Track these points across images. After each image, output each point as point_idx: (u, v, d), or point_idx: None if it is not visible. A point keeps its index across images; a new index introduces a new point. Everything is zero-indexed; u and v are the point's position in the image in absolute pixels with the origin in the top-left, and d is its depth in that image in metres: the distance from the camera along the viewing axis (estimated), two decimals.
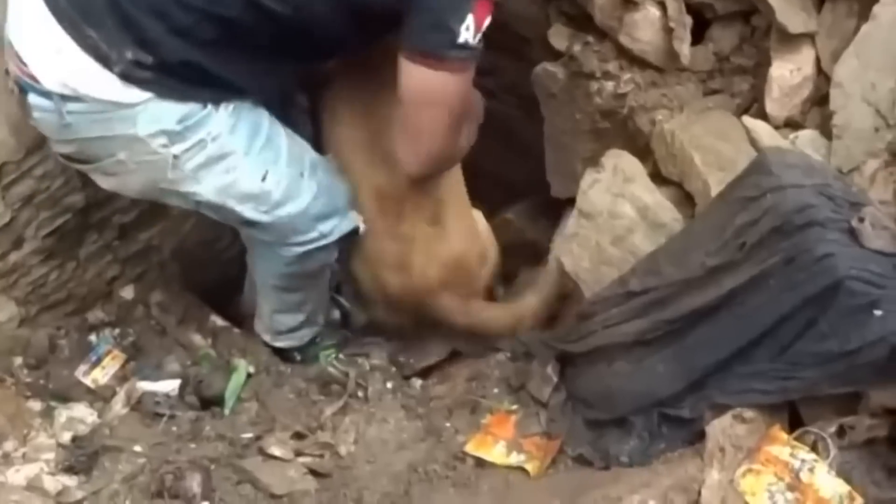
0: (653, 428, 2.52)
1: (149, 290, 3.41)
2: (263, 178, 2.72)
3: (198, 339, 3.28)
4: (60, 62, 2.45)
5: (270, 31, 2.51)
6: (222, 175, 2.67)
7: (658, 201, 2.71)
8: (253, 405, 3.05)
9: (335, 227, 2.94)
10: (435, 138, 2.67)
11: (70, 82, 2.45)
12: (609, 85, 3.06)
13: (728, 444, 2.39)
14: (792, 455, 2.34)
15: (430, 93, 2.56)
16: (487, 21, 2.49)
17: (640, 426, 2.53)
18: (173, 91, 2.52)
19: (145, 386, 3.07)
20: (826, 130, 2.71)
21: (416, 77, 2.53)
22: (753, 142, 2.71)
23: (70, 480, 2.73)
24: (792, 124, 2.82)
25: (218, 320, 3.38)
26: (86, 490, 2.70)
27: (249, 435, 2.90)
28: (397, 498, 2.70)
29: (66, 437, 2.87)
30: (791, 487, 2.31)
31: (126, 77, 2.45)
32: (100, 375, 3.13)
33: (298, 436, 2.90)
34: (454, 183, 3.11)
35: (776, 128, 2.79)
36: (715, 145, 2.77)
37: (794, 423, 2.44)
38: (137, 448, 2.84)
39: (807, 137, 2.72)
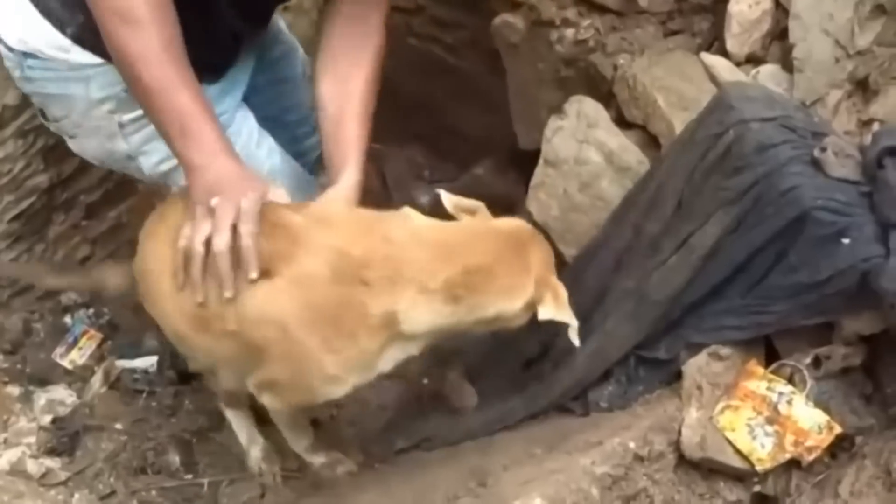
0: (630, 371, 2.52)
1: None
2: None
3: None
4: (18, 21, 2.42)
5: None
6: (167, 151, 2.52)
7: (623, 145, 2.69)
8: None
9: None
10: None
11: (27, 40, 2.43)
12: (569, 32, 3.04)
13: (705, 381, 2.40)
14: (769, 389, 2.35)
15: None
16: None
17: (618, 371, 2.53)
18: None
19: (123, 364, 3.06)
20: (787, 64, 2.69)
21: None
22: (713, 78, 2.70)
23: (53, 462, 2.73)
24: (753, 60, 2.80)
25: None
26: (70, 471, 2.71)
27: None
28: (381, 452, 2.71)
29: (47, 419, 2.86)
30: (770, 420, 2.32)
31: (79, 40, 2.41)
32: (77, 356, 3.12)
33: None
34: None
35: (738, 65, 2.78)
36: (677, 86, 2.76)
37: (770, 357, 2.45)
38: (118, 426, 2.85)
39: (768, 72, 2.71)
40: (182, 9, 2.21)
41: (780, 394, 2.34)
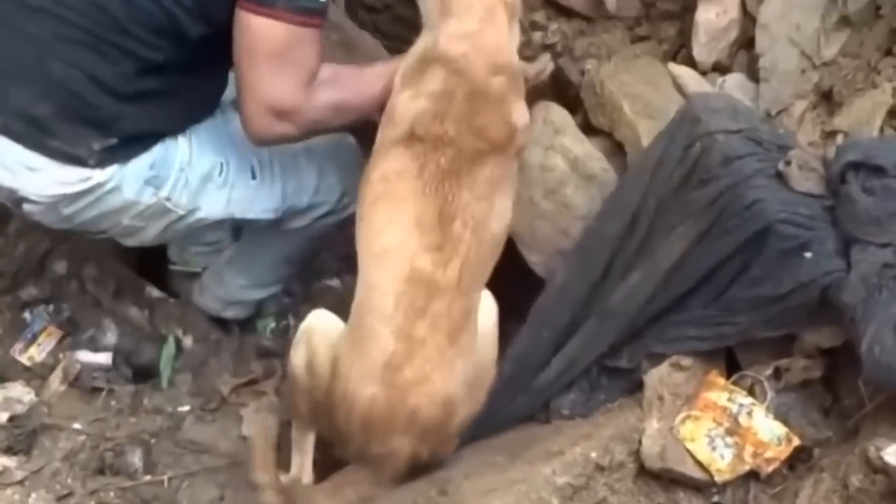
0: (592, 380, 2.53)
1: (81, 263, 3.33)
2: (253, 176, 2.76)
3: (134, 311, 3.23)
4: (39, 178, 2.51)
5: (195, 51, 2.50)
6: (217, 192, 2.70)
7: (588, 152, 2.69)
8: (188, 377, 3.03)
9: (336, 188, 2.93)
10: (275, 91, 2.44)
11: (53, 191, 2.52)
12: (537, 35, 3.03)
13: (666, 392, 2.41)
14: (730, 400, 2.36)
15: (266, 42, 2.38)
16: None
17: (580, 379, 2.54)
18: (137, 148, 2.56)
19: (81, 357, 3.03)
20: (754, 73, 2.70)
21: (247, 26, 2.37)
22: (680, 88, 2.71)
23: (10, 461, 2.71)
24: (720, 68, 2.81)
25: (154, 291, 3.31)
26: (26, 470, 2.69)
27: (188, 408, 2.89)
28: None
29: (4, 417, 2.84)
30: (730, 432, 2.33)
31: (101, 163, 2.51)
32: (36, 353, 3.08)
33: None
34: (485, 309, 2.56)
35: (704, 73, 2.79)
36: (644, 93, 2.76)
37: (732, 369, 2.47)
38: (77, 425, 2.83)
39: (734, 81, 2.71)
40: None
41: (741, 405, 2.35)
